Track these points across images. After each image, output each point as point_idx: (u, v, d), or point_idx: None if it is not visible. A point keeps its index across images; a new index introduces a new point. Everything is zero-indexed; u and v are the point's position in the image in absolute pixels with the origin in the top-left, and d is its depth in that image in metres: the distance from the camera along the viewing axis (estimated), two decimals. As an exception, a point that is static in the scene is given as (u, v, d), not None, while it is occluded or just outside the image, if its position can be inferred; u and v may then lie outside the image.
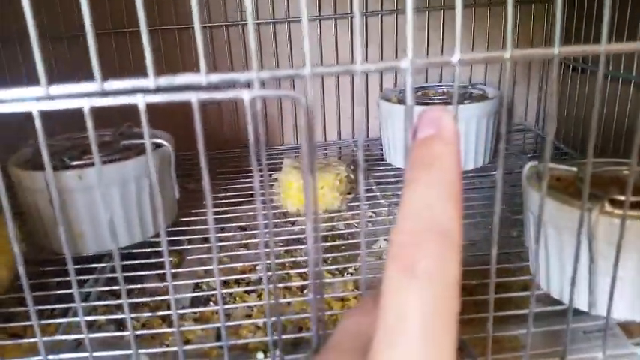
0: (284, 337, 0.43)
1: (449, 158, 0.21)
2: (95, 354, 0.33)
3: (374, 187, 0.63)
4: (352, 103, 0.82)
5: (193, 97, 0.23)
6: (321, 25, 0.79)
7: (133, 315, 0.46)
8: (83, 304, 0.39)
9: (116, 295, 0.49)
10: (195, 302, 0.49)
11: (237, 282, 0.52)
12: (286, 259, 0.53)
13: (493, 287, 0.29)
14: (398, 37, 0.81)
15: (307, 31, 0.23)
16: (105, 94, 0.22)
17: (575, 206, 0.34)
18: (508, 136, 0.82)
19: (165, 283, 0.51)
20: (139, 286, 0.51)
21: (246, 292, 0.50)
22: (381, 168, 0.71)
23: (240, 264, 0.54)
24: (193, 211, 0.59)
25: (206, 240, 0.59)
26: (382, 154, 0.74)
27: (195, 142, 0.24)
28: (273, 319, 0.34)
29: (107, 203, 0.44)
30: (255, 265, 0.54)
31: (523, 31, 0.80)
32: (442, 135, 0.22)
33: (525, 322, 0.38)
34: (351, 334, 0.23)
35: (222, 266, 0.52)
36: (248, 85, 0.25)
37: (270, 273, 0.28)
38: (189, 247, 0.57)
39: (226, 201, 0.62)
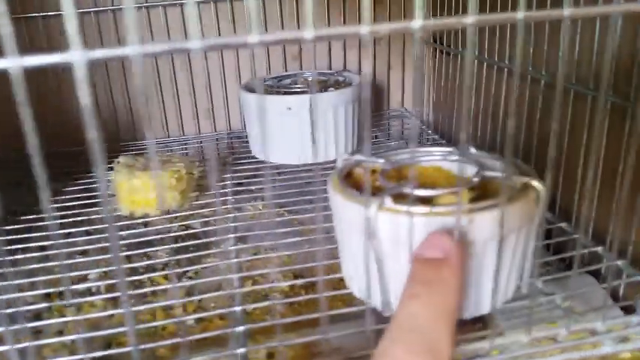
0: (93, 355, 0.40)
1: (453, 285, 0.23)
2: None
3: (228, 183, 0.61)
4: (209, 94, 0.78)
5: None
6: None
7: None
8: None
9: None
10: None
11: (60, 294, 0.48)
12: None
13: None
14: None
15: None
16: None
17: (358, 202, 0.33)
18: (381, 122, 0.82)
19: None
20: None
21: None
22: (241, 162, 0.68)
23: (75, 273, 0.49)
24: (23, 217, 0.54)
25: (42, 248, 0.54)
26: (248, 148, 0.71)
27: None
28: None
29: None
30: (87, 275, 0.50)
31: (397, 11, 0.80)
32: (450, 262, 0.24)
33: (336, 324, 0.38)
34: None
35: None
36: None
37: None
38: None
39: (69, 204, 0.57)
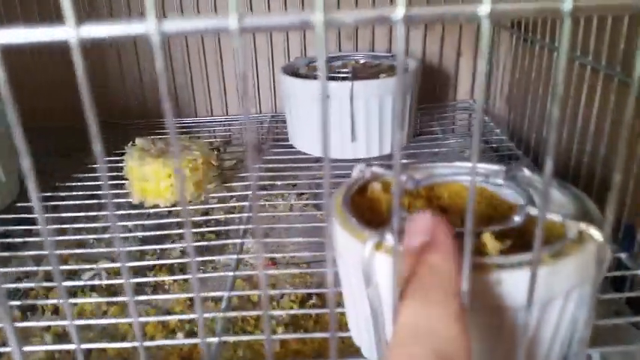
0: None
1: (445, 270, 0.21)
2: None
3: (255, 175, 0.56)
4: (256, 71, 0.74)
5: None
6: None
7: None
8: None
9: None
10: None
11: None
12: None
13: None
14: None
15: None
16: None
17: (356, 236, 0.27)
18: (444, 116, 0.74)
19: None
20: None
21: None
22: (278, 150, 0.63)
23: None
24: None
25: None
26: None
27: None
28: None
29: None
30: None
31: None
32: (437, 244, 0.21)
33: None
34: None
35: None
36: None
37: None
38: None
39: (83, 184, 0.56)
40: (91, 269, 0.46)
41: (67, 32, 0.16)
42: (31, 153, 0.18)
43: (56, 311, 0.44)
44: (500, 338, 0.25)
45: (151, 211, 0.50)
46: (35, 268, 0.45)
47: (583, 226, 0.25)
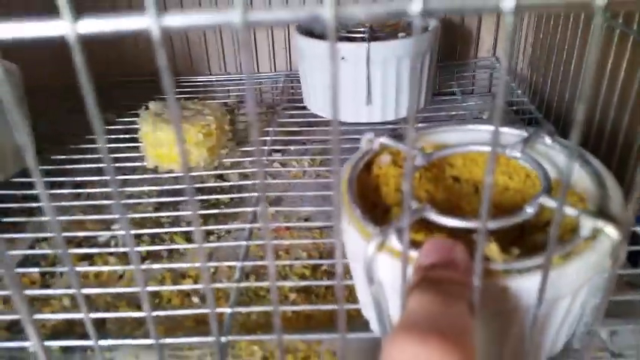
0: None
1: (463, 284, 0.20)
2: None
3: (268, 139, 0.57)
4: (271, 27, 0.73)
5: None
6: None
7: None
8: None
9: None
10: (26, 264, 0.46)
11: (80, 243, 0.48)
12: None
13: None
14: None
15: None
16: None
17: (359, 230, 0.27)
18: (464, 75, 0.72)
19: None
20: None
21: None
22: (292, 112, 0.63)
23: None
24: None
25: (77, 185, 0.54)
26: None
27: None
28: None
29: None
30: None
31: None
32: (457, 265, 0.21)
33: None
34: None
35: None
36: None
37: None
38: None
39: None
40: (105, 235, 0.48)
41: (64, 27, 0.16)
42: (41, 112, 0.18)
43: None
44: (506, 337, 0.25)
45: (165, 175, 0.51)
46: (49, 235, 0.47)
47: (600, 223, 0.24)
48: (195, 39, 0.74)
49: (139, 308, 0.41)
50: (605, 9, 0.14)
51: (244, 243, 0.40)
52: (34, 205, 0.48)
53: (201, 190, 0.52)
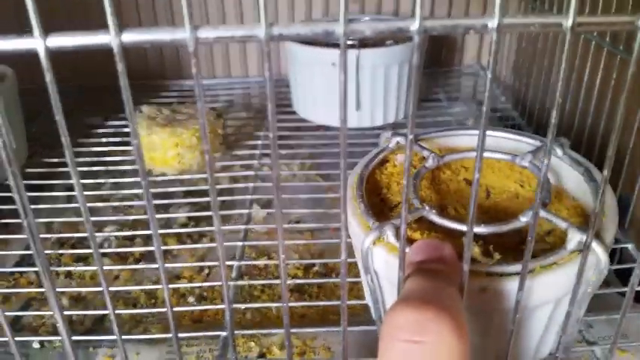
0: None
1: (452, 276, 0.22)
2: None
3: (258, 143, 0.59)
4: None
5: None
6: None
7: None
8: None
9: None
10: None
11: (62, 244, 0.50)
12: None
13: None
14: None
15: None
16: None
17: (360, 223, 0.30)
18: (449, 82, 0.76)
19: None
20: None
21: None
22: (281, 117, 0.65)
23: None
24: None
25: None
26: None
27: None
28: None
29: None
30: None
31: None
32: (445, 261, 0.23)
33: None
34: None
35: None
36: None
37: None
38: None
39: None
40: (100, 236, 0.50)
41: (35, 43, 0.18)
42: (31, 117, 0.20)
43: (69, 275, 0.47)
44: (488, 335, 0.27)
45: (159, 178, 0.53)
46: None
47: (587, 238, 0.25)
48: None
49: (134, 307, 0.43)
50: (572, 29, 0.17)
51: (240, 243, 0.42)
52: (32, 207, 0.49)
53: (194, 193, 0.54)
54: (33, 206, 0.49)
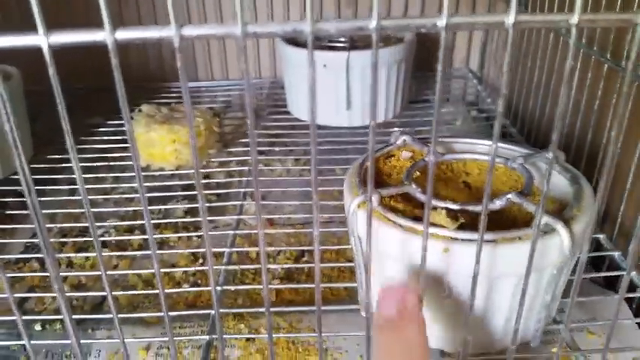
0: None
1: (418, 343, 0.25)
2: None
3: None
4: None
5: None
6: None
7: None
8: None
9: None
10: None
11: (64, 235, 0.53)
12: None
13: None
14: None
15: None
16: None
17: (351, 193, 0.33)
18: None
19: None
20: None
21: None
22: (276, 117, 0.68)
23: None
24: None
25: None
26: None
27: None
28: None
29: None
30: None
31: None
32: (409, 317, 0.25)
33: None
34: None
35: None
36: None
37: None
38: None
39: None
40: (102, 227, 0.52)
41: (39, 40, 0.20)
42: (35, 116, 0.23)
43: (70, 264, 0.50)
44: (453, 302, 0.30)
45: (157, 173, 0.55)
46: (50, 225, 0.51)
47: (552, 221, 0.28)
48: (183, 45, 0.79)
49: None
50: (514, 27, 0.20)
51: (232, 232, 0.45)
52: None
53: (190, 187, 0.57)
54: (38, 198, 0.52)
